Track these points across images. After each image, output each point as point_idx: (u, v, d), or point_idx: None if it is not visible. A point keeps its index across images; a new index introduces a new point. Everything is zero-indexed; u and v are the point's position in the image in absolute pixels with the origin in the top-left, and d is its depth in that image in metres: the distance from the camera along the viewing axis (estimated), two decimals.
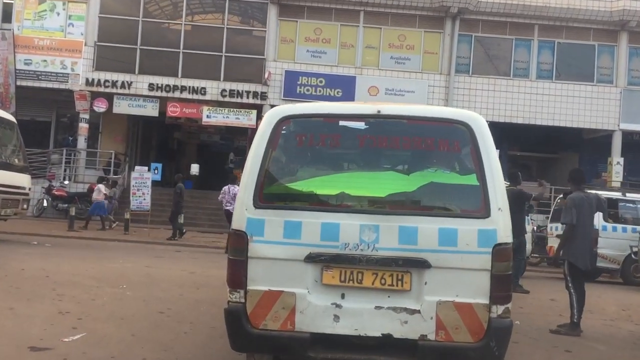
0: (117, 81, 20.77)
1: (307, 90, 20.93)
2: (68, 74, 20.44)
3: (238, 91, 20.94)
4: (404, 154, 4.05)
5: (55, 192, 18.91)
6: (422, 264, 3.69)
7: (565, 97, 21.00)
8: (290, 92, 20.94)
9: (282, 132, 3.94)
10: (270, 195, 3.89)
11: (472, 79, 21.22)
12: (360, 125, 3.98)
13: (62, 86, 20.63)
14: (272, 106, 21.35)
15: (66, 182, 19.16)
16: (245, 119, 21.06)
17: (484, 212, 3.71)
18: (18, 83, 20.40)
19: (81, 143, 20.96)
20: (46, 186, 19.18)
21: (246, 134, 23.90)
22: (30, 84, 20.69)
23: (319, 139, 4.03)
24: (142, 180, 16.04)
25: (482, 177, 3.74)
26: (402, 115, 3.99)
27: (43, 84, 20.71)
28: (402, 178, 3.90)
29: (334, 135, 4.00)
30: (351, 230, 3.73)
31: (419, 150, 3.98)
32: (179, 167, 28.01)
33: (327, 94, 20.91)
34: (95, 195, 16.67)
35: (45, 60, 20.67)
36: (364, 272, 3.75)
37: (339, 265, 3.74)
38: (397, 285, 3.73)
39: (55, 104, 22.49)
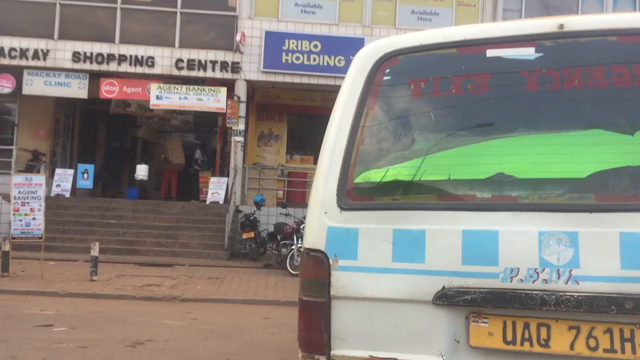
0: (27, 49, 14.75)
1: (297, 58, 14.95)
2: None
3: (200, 61, 14.95)
4: (618, 97, 2.24)
5: None
6: None
7: None
8: (273, 60, 14.96)
9: (386, 78, 2.46)
10: (367, 186, 2.40)
11: None
12: (528, 53, 2.32)
13: None
14: (248, 81, 15.54)
15: None
16: (210, 100, 15.01)
17: None
18: None
19: None
20: None
21: (215, 125, 17.90)
22: None
23: (451, 84, 2.40)
24: (31, 189, 9.91)
25: None
26: (607, 29, 2.26)
27: None
28: (618, 141, 2.18)
29: (478, 76, 2.37)
30: (521, 243, 2.15)
31: None
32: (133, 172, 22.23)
33: (325, 62, 14.95)
34: None
35: None
36: (552, 325, 2.13)
37: (501, 312, 2.17)
38: (622, 352, 2.06)
39: None
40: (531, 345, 2.16)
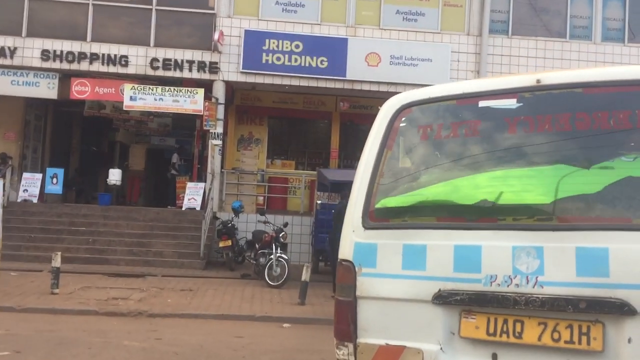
0: None
1: (278, 58, 14.35)
2: None
3: (176, 61, 14.31)
4: (579, 137, 2.75)
5: None
6: (620, 309, 2.45)
7: None
8: (253, 61, 14.36)
9: (401, 125, 3.10)
10: (384, 210, 3.04)
11: (513, 41, 14.98)
12: (510, 103, 2.90)
13: None
14: (226, 82, 14.43)
15: None
16: (186, 102, 14.36)
17: None
18: None
19: None
20: None
21: (192, 129, 17.22)
22: None
23: (450, 129, 3.01)
24: None
25: None
26: (574, 83, 2.80)
27: None
28: (578, 174, 2.68)
29: (471, 122, 2.97)
30: (499, 255, 2.69)
31: (604, 131, 2.70)
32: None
33: (307, 63, 14.37)
34: None
35: None
36: (525, 321, 2.63)
37: (485, 310, 2.71)
38: (579, 343, 2.53)
39: None
40: (507, 336, 2.63)
